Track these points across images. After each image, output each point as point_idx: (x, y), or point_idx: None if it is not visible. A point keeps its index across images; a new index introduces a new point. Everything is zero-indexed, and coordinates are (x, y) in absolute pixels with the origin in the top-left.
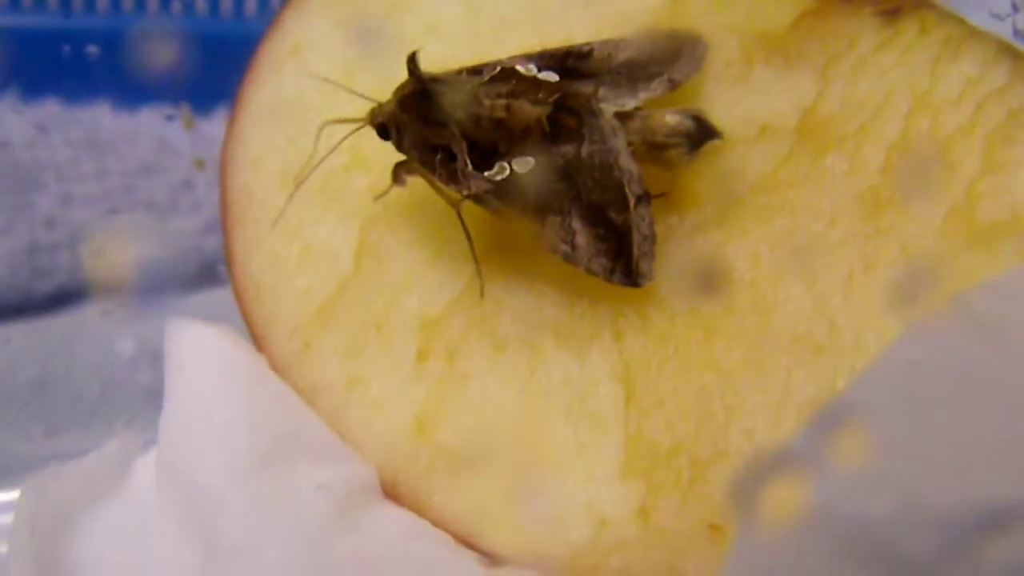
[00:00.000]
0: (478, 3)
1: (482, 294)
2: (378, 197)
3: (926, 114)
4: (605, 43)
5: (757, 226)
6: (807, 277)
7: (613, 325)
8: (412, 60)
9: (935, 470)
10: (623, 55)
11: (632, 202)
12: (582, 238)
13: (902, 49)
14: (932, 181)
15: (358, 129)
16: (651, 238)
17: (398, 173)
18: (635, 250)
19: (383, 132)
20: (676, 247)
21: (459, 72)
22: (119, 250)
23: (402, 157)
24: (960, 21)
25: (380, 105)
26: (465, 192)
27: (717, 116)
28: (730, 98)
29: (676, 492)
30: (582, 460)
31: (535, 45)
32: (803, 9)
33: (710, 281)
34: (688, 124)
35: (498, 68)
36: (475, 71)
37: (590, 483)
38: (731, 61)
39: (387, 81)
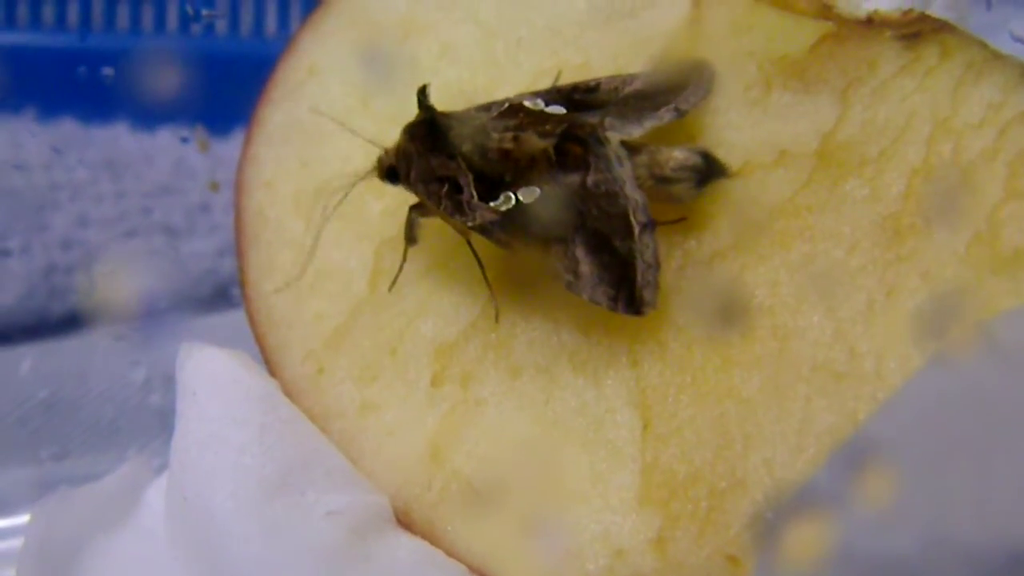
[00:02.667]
0: (494, 26)
1: (497, 319)
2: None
3: (948, 139)
4: (612, 78)
5: (776, 252)
6: (827, 304)
7: (630, 352)
8: (422, 93)
9: (961, 508)
10: (630, 88)
11: (637, 230)
12: (585, 267)
13: (923, 73)
14: (954, 207)
15: (363, 178)
16: (655, 266)
17: (412, 227)
18: (639, 278)
19: (392, 176)
20: (694, 273)
21: (468, 110)
22: (133, 273)
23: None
24: (982, 45)
25: (386, 151)
26: (470, 223)
27: (735, 141)
28: (749, 122)
29: (694, 522)
30: (598, 489)
31: (551, 69)
32: (822, 33)
33: (728, 307)
34: (696, 159)
35: (506, 104)
36: (483, 109)
37: (606, 512)
38: (750, 85)
39: (402, 103)
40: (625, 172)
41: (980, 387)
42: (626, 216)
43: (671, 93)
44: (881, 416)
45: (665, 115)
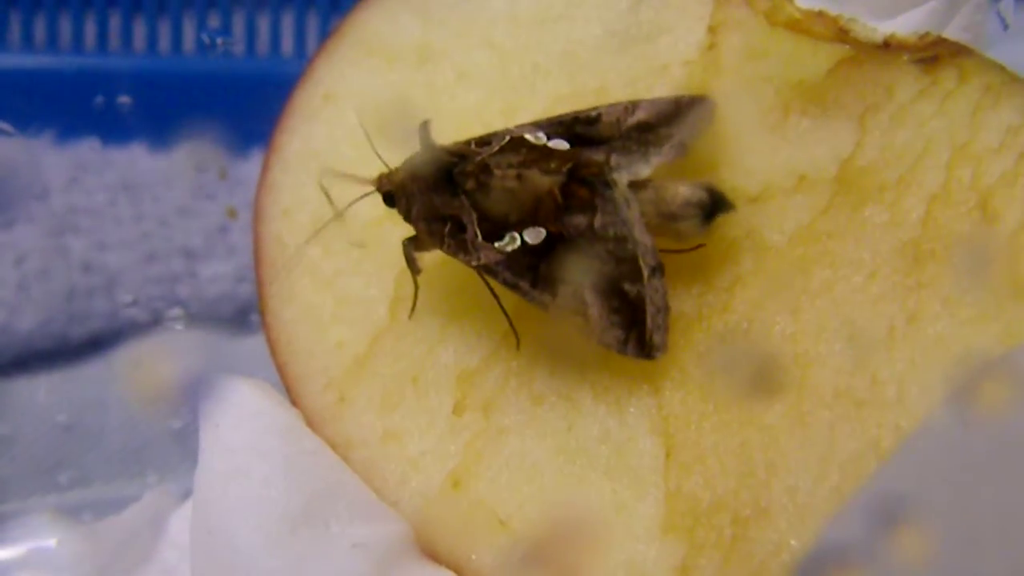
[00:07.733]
0: (510, 51)
1: (518, 347)
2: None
3: (967, 164)
4: (613, 107)
5: (796, 279)
6: (848, 331)
7: (651, 379)
8: (424, 128)
9: (995, 556)
10: (632, 120)
11: (646, 274)
12: (595, 310)
13: (941, 97)
14: (974, 233)
15: (366, 196)
16: (664, 310)
17: (411, 260)
18: (649, 322)
19: (389, 200)
20: (714, 300)
21: (468, 143)
22: (153, 301)
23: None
24: (1000, 68)
25: (388, 173)
26: (474, 263)
27: (754, 166)
28: (767, 148)
29: (718, 550)
30: (621, 517)
31: (567, 94)
32: (840, 57)
33: (749, 334)
34: (701, 195)
35: (507, 138)
36: (483, 142)
37: (630, 541)
38: (767, 110)
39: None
40: (633, 215)
41: (1008, 429)
42: (635, 260)
43: (673, 124)
44: (909, 466)
45: (670, 152)
